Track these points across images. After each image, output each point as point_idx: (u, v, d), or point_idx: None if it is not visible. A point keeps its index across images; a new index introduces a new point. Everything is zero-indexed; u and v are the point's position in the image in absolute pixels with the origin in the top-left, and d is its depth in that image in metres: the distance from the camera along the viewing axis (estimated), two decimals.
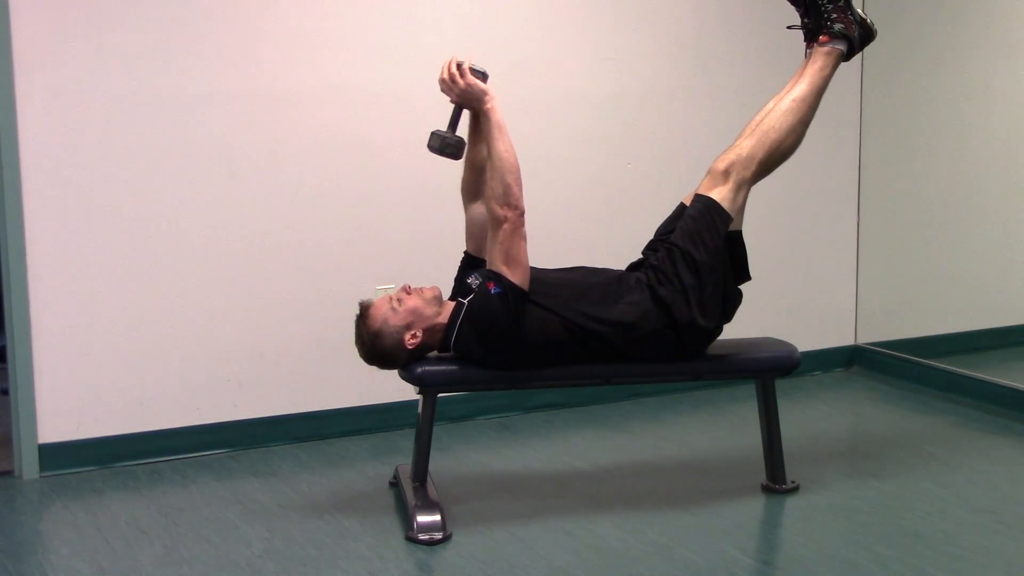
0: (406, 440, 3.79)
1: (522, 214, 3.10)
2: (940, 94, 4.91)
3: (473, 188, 3.34)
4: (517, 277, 3.10)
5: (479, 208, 3.31)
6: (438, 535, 3.08)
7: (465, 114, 3.24)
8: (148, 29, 3.63)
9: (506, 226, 3.08)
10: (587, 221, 4.34)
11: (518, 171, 3.10)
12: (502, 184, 3.07)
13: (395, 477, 3.51)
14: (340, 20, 3.88)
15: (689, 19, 4.44)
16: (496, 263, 3.11)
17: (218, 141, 3.77)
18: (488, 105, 3.13)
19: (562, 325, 3.15)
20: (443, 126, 3.19)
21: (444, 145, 3.17)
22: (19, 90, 3.49)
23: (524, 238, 3.11)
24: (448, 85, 3.16)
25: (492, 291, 3.10)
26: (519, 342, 3.12)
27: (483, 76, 3.16)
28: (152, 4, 3.63)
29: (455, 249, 4.07)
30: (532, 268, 3.21)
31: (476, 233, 3.35)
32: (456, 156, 3.20)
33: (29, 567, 2.99)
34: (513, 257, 3.10)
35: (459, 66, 3.14)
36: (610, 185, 4.37)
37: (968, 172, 5.00)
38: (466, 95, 3.15)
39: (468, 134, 3.28)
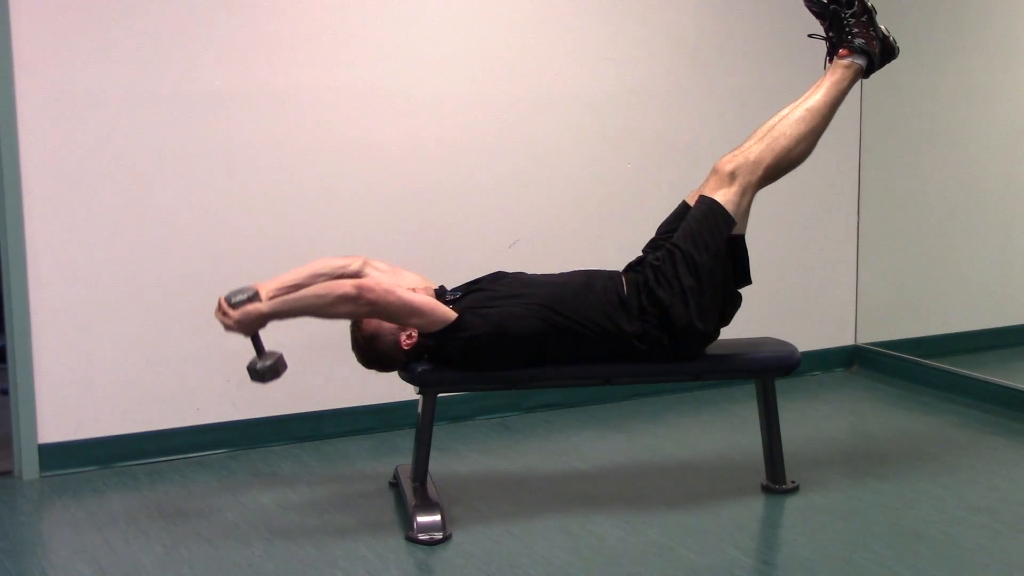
0: (406, 440, 3.79)
1: (367, 299, 3.01)
2: (940, 94, 4.91)
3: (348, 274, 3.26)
4: (427, 319, 3.09)
5: (376, 276, 3.26)
6: (438, 535, 3.08)
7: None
8: (148, 29, 3.63)
9: (373, 308, 3.03)
10: (586, 221, 4.33)
11: (327, 290, 3.03)
12: (342, 310, 3.03)
13: (395, 477, 3.51)
14: (340, 20, 3.88)
15: (689, 19, 4.44)
16: (406, 323, 3.11)
17: (218, 141, 3.76)
18: (266, 312, 3.02)
19: (539, 321, 3.15)
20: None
21: (261, 374, 3.07)
22: (19, 90, 3.49)
23: (389, 293, 3.04)
24: (226, 326, 3.06)
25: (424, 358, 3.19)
26: (489, 352, 3.14)
27: (246, 298, 3.03)
28: (152, 4, 3.63)
29: (454, 249, 4.09)
30: (515, 273, 3.34)
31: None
32: (277, 374, 3.09)
33: (29, 567, 2.99)
34: (408, 310, 3.07)
35: (220, 306, 3.05)
36: (609, 185, 4.37)
37: (968, 172, 5.00)
38: (243, 325, 3.03)
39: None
